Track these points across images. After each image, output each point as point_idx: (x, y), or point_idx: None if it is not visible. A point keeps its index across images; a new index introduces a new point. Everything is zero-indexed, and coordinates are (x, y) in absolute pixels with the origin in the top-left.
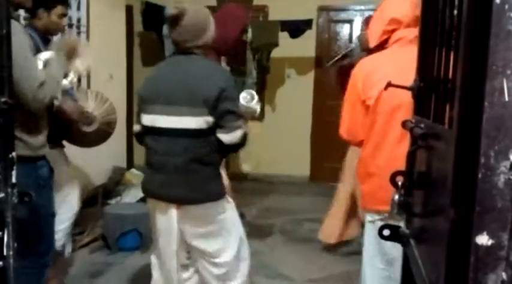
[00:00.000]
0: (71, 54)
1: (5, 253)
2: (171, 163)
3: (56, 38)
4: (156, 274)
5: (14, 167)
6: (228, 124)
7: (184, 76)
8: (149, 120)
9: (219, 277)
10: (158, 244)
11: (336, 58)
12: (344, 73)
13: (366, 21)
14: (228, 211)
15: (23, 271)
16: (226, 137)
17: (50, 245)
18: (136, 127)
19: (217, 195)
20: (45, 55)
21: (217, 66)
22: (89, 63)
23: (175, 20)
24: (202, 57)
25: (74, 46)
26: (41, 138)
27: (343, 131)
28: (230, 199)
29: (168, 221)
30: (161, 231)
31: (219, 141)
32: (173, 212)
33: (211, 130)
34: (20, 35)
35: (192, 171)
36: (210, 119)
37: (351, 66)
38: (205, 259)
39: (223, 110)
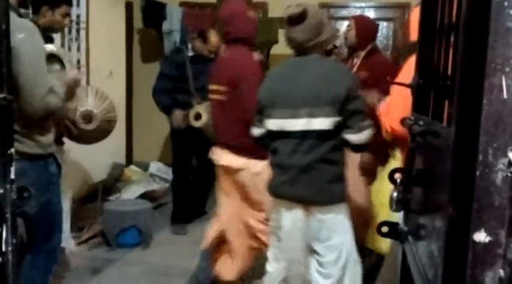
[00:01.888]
0: (69, 92)
1: (3, 249)
2: (295, 163)
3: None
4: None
5: (13, 163)
6: (356, 125)
7: (309, 77)
8: (275, 124)
9: None
10: (281, 245)
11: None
12: None
13: (355, 20)
14: (349, 223)
15: (32, 269)
16: (355, 137)
17: (58, 242)
18: (257, 131)
19: (340, 197)
20: (48, 47)
21: (340, 65)
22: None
23: (299, 19)
24: (322, 56)
25: (74, 86)
26: (50, 136)
27: (396, 124)
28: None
29: (293, 222)
30: (284, 232)
31: (346, 141)
32: (298, 213)
33: (337, 130)
34: (38, 38)
35: (317, 170)
36: (337, 119)
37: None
38: (316, 263)
39: (352, 110)
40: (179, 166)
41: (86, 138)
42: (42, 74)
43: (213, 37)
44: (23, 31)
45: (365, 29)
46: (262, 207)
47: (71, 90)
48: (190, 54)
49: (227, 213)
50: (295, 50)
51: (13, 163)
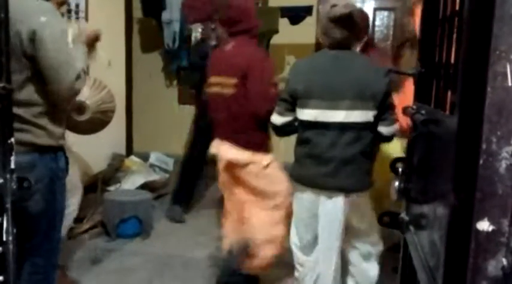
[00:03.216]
0: (90, 45)
1: (4, 238)
2: (335, 155)
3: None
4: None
5: (13, 153)
6: (389, 118)
7: (350, 71)
8: (311, 114)
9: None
10: (321, 235)
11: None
12: None
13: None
14: None
15: (34, 273)
16: (388, 129)
17: (58, 242)
18: (280, 120)
19: (369, 185)
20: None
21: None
22: (103, 55)
23: (346, 20)
24: (357, 52)
25: (95, 37)
26: (63, 128)
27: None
28: None
29: (334, 211)
30: (324, 221)
31: (377, 134)
32: (340, 202)
33: (372, 124)
34: (61, 20)
35: (357, 161)
36: (375, 113)
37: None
38: (357, 250)
39: (388, 104)
40: (196, 150)
41: (81, 128)
42: (69, 58)
43: None
44: (45, 13)
45: None
46: (271, 197)
47: (92, 45)
48: (214, 43)
49: (236, 209)
50: (332, 44)
51: (13, 153)
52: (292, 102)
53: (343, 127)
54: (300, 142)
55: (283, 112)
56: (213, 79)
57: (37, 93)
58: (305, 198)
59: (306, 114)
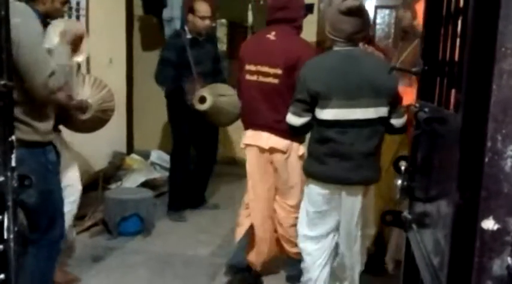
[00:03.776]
0: (76, 44)
1: (5, 236)
2: (358, 151)
3: (56, 22)
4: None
5: (14, 150)
6: (399, 110)
7: (364, 70)
8: (331, 114)
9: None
10: (343, 225)
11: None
12: None
13: None
14: None
15: (36, 262)
16: (399, 121)
17: (61, 231)
18: (299, 120)
19: (380, 175)
20: (50, 43)
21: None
22: (86, 52)
23: (357, 12)
24: (364, 49)
25: (80, 35)
26: (49, 123)
27: None
28: None
29: (355, 203)
30: (345, 211)
31: (388, 127)
32: (360, 193)
33: (385, 119)
34: (35, 22)
35: (375, 155)
36: (388, 108)
37: None
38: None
39: (399, 98)
40: (179, 154)
41: (81, 127)
42: (42, 58)
43: (200, 6)
44: (19, 15)
45: None
46: (292, 194)
47: (76, 44)
48: (189, 36)
49: (258, 199)
50: (342, 38)
51: (14, 151)
52: (310, 103)
53: (362, 124)
54: (320, 141)
55: (301, 113)
56: (250, 67)
57: (20, 91)
58: (325, 194)
59: (326, 114)
